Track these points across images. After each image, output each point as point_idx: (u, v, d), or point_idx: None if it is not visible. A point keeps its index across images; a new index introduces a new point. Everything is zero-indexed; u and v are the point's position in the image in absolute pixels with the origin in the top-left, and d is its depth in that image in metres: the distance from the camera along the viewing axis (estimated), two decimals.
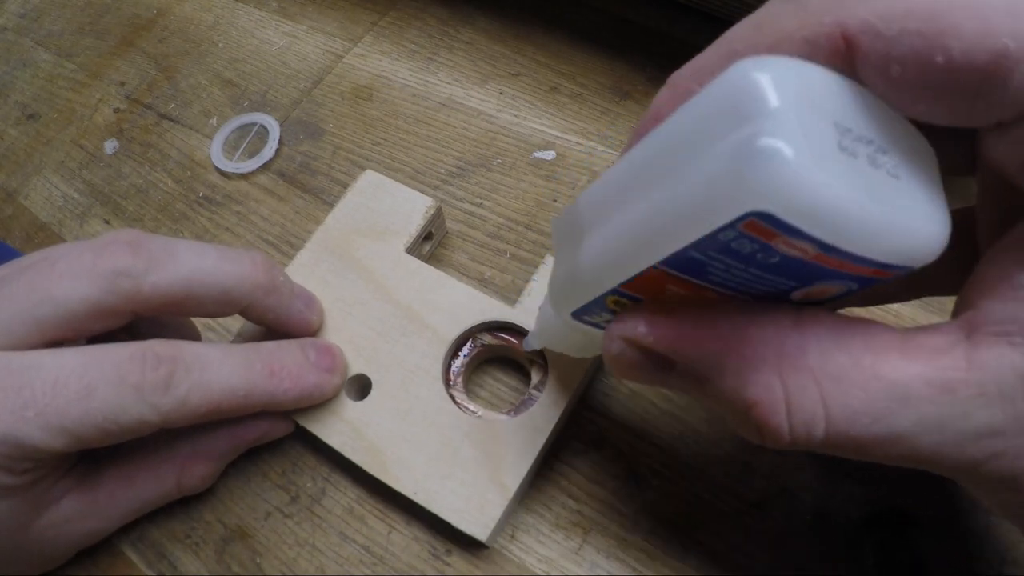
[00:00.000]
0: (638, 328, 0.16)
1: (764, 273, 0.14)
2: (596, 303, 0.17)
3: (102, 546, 0.26)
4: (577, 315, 0.18)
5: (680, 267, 0.14)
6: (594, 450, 0.26)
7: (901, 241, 0.12)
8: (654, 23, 0.37)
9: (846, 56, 0.13)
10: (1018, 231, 0.14)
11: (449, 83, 0.37)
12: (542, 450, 0.25)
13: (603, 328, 0.18)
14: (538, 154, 0.34)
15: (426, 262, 0.29)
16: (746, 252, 0.13)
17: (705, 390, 0.16)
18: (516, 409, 0.26)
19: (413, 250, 0.29)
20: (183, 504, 0.27)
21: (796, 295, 0.15)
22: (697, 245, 0.13)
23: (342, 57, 0.39)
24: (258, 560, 0.26)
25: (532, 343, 0.24)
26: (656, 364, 0.16)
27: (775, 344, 0.14)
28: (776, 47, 0.14)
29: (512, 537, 0.25)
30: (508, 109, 0.36)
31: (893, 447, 0.14)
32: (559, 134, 0.35)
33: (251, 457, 0.27)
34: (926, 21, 0.12)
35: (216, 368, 0.22)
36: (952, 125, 0.14)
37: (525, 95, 0.36)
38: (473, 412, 0.26)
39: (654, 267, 0.14)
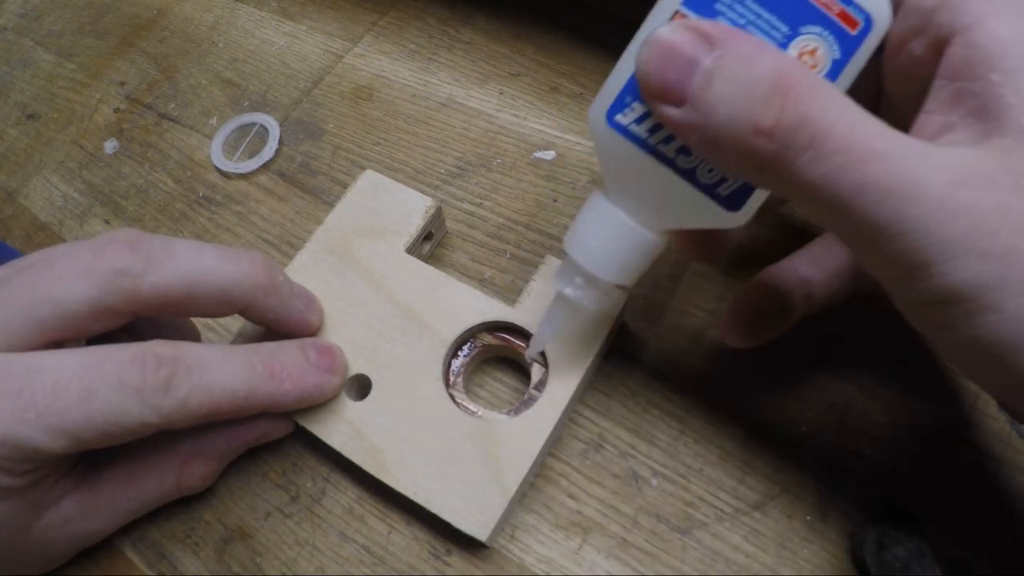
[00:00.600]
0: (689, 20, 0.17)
1: (761, 9, 0.17)
2: (631, 85, 0.19)
3: (102, 546, 0.26)
4: (612, 115, 0.19)
5: (695, 6, 0.18)
6: (594, 450, 0.26)
7: None
8: None
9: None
10: (938, 94, 0.17)
11: (449, 83, 0.37)
12: (542, 450, 0.25)
13: (637, 140, 0.19)
14: (538, 154, 0.34)
15: (426, 262, 0.29)
16: None
17: (724, 76, 0.16)
18: (516, 409, 0.26)
19: (413, 250, 0.29)
20: (183, 504, 0.27)
21: (798, 47, 0.17)
22: None
23: (342, 57, 0.39)
24: (258, 560, 0.26)
25: (542, 338, 0.24)
26: (697, 47, 0.16)
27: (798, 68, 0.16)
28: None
29: (512, 537, 0.25)
30: (508, 109, 0.36)
31: (883, 165, 0.15)
32: (559, 134, 0.35)
33: (251, 457, 0.27)
34: None
35: (217, 370, 0.22)
36: None
37: (525, 95, 0.36)
38: (473, 412, 0.26)
39: (676, 10, 0.18)
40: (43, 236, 0.36)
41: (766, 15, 0.17)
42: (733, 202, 0.19)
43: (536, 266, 0.29)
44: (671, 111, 0.17)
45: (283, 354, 0.24)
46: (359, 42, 0.40)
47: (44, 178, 0.38)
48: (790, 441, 0.26)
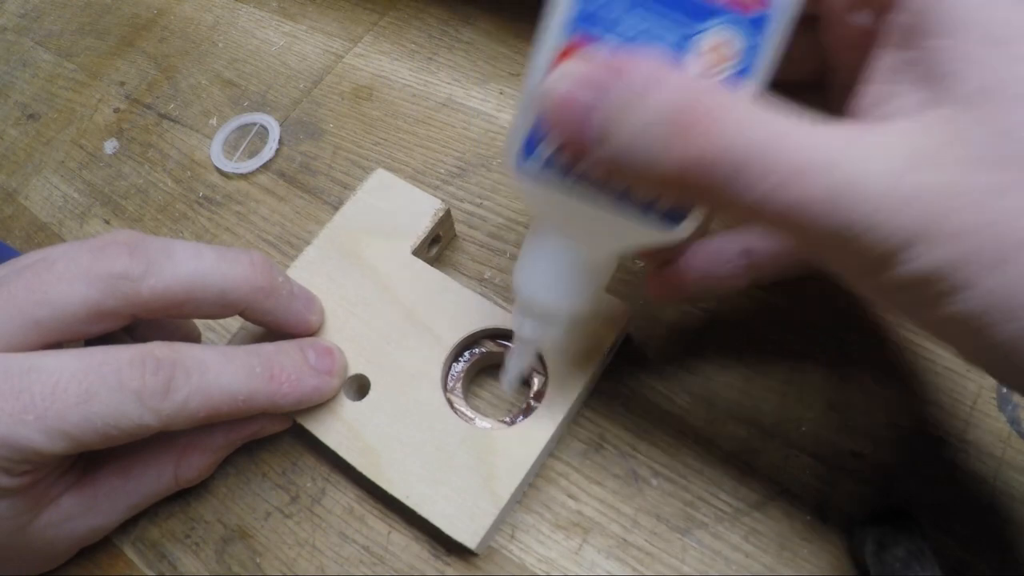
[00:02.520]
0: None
1: (654, 13, 0.16)
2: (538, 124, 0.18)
3: (102, 546, 0.26)
4: (527, 154, 0.18)
5: (584, 23, 0.17)
6: (594, 450, 0.26)
7: None
8: None
9: None
10: (882, 62, 0.17)
11: (449, 83, 0.37)
12: (536, 462, 0.25)
13: (558, 174, 0.18)
14: None
15: (431, 265, 0.29)
16: None
17: (633, 110, 0.15)
18: (514, 418, 0.26)
19: (420, 252, 0.29)
20: (183, 504, 0.27)
21: (702, 46, 0.16)
22: None
23: (342, 57, 0.39)
24: (258, 560, 0.26)
25: (512, 381, 0.24)
26: (601, 81, 0.16)
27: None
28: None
29: (512, 537, 0.25)
30: (508, 109, 0.36)
31: (811, 180, 0.15)
32: None
33: (251, 457, 0.27)
34: None
35: (216, 373, 0.22)
36: None
37: None
38: (470, 419, 0.26)
39: (572, 34, 0.17)
40: (43, 236, 0.36)
41: (660, 19, 0.16)
42: (673, 217, 0.18)
43: None
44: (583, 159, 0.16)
45: (283, 356, 0.24)
46: (359, 42, 0.40)
47: (44, 178, 0.38)
48: (790, 441, 0.26)
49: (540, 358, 0.26)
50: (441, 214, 0.29)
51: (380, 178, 0.30)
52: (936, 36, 0.16)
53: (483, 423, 0.25)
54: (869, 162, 0.14)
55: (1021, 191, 0.14)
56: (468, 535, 0.23)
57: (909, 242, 0.14)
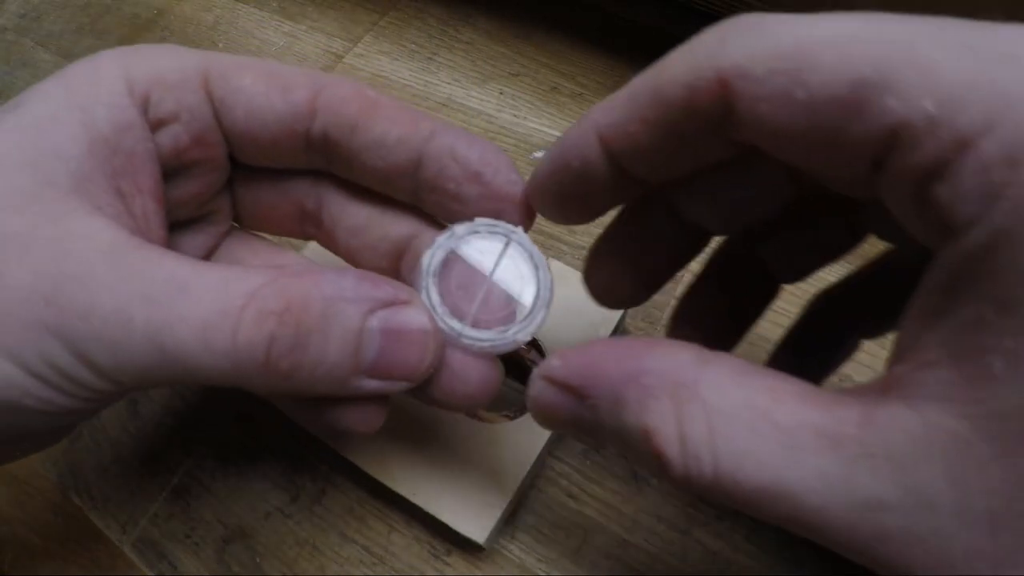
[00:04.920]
0: (552, 363, 0.16)
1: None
2: None
3: (102, 546, 0.26)
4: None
5: None
6: (594, 450, 0.26)
7: None
8: (654, 23, 0.37)
9: (724, 99, 0.13)
10: (921, 291, 0.13)
11: (449, 83, 0.37)
12: (541, 454, 0.25)
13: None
14: (538, 154, 0.34)
15: None
16: None
17: (611, 425, 0.15)
18: (516, 412, 0.26)
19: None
20: (183, 504, 0.27)
21: None
22: None
23: (342, 57, 0.39)
24: (258, 560, 0.26)
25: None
26: (570, 402, 0.16)
27: (673, 375, 0.14)
28: (660, 90, 0.15)
29: (512, 537, 0.25)
30: (508, 109, 0.36)
31: (782, 502, 0.13)
32: (559, 134, 0.34)
33: (251, 457, 0.27)
34: (789, 59, 0.13)
35: None
36: (835, 174, 0.14)
37: (525, 95, 0.36)
38: (473, 413, 0.26)
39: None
40: None
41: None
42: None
43: None
44: (574, 412, 0.16)
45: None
46: (359, 42, 0.40)
47: None
48: None
49: (540, 350, 0.26)
50: None
51: None
52: (995, 298, 0.11)
53: (487, 418, 0.25)
54: (850, 482, 0.12)
55: (1020, 562, 0.11)
56: (476, 530, 0.23)
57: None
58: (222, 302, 0.16)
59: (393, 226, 0.21)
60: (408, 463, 0.24)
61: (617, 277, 0.20)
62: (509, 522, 0.25)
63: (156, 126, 0.19)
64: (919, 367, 0.12)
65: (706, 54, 0.14)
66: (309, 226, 0.23)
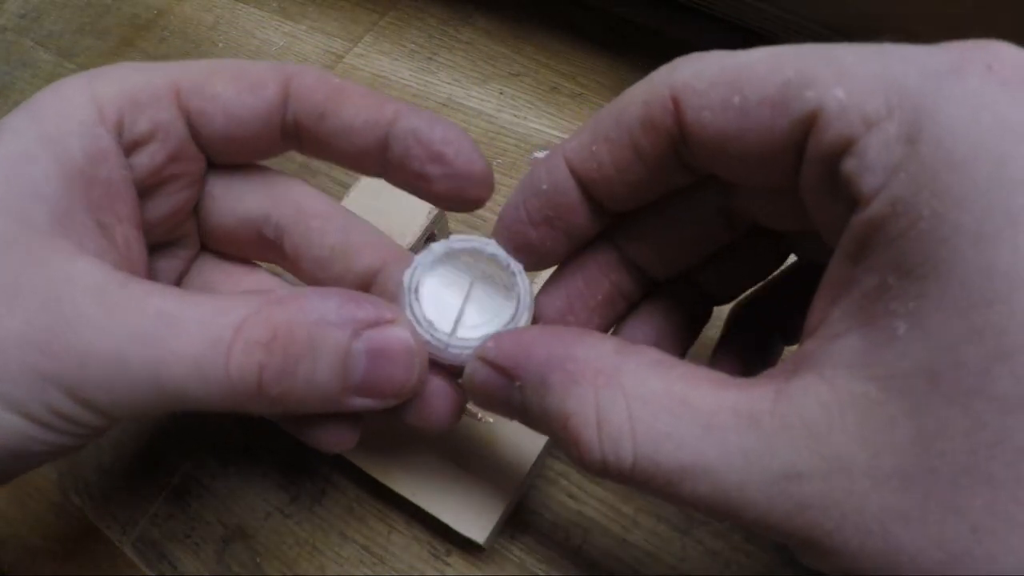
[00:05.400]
0: (488, 344, 0.17)
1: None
2: None
3: (102, 546, 0.26)
4: None
5: None
6: None
7: None
8: (654, 23, 0.37)
9: (675, 113, 0.15)
10: (829, 270, 0.14)
11: (449, 83, 0.37)
12: (541, 454, 0.25)
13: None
14: (538, 154, 0.34)
15: None
16: None
17: (537, 408, 0.16)
18: None
19: (415, 251, 0.29)
20: (183, 504, 0.27)
21: None
22: None
23: (342, 57, 0.39)
24: (258, 560, 0.26)
25: None
26: (502, 382, 0.17)
27: (595, 363, 0.15)
28: (622, 110, 0.16)
29: (512, 537, 0.25)
30: (508, 109, 0.36)
31: (703, 481, 0.13)
32: (559, 134, 0.35)
33: (251, 457, 0.27)
34: (728, 72, 0.15)
35: None
36: (765, 179, 0.15)
37: (525, 95, 0.36)
38: (474, 414, 0.26)
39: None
40: None
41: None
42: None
43: None
44: (504, 393, 0.17)
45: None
46: (359, 42, 0.40)
47: None
48: None
49: None
50: (435, 213, 0.29)
51: (373, 179, 0.30)
52: (902, 266, 0.12)
53: (487, 417, 0.25)
54: (769, 457, 0.13)
55: (934, 517, 0.12)
56: (477, 530, 0.23)
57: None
58: (212, 335, 0.16)
59: (358, 259, 0.21)
60: (408, 463, 0.24)
61: (564, 313, 0.20)
62: (509, 522, 0.25)
63: (131, 148, 0.19)
64: (828, 339, 0.13)
65: (659, 78, 0.16)
66: (273, 254, 0.23)
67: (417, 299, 0.19)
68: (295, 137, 0.21)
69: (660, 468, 0.14)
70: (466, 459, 0.24)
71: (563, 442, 0.16)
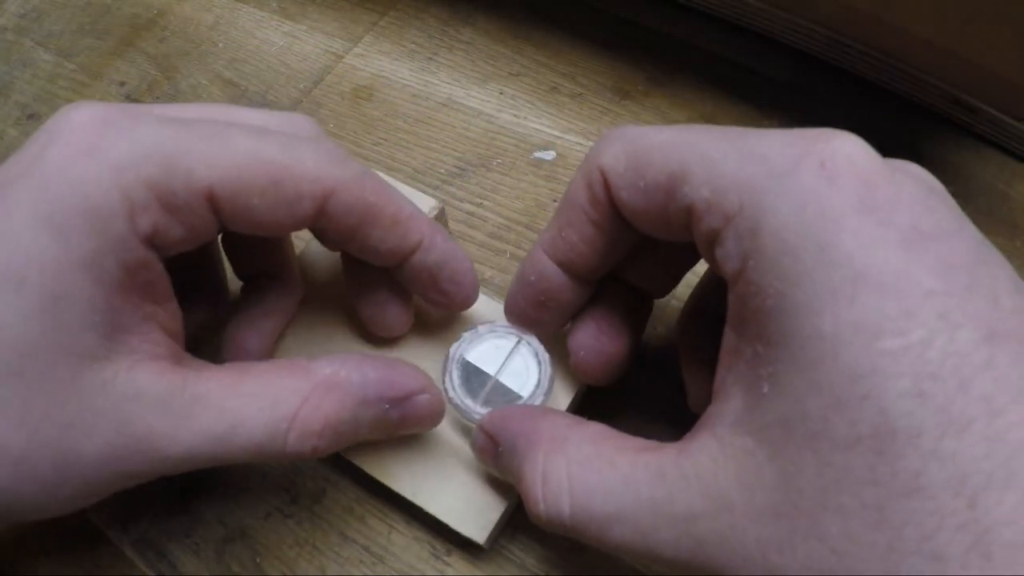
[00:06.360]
0: (484, 419, 0.22)
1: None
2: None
3: (102, 546, 0.26)
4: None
5: None
6: None
7: None
8: (654, 23, 0.37)
9: (607, 188, 0.19)
10: (724, 342, 0.17)
11: (449, 83, 0.37)
12: None
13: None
14: (538, 154, 0.34)
15: None
16: None
17: (510, 468, 0.20)
18: None
19: None
20: (183, 504, 0.27)
21: None
22: None
23: (342, 57, 0.39)
24: (258, 560, 0.26)
25: None
26: (491, 446, 0.21)
27: (549, 434, 0.19)
28: (576, 195, 0.20)
29: (512, 537, 0.25)
30: (508, 109, 0.36)
31: (625, 526, 0.16)
32: (559, 134, 0.35)
33: None
34: (640, 155, 0.18)
35: None
36: (672, 237, 0.18)
37: (525, 95, 0.36)
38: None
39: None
40: None
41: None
42: None
43: None
44: (493, 454, 0.22)
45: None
46: (359, 42, 0.40)
47: None
48: None
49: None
50: (435, 213, 0.29)
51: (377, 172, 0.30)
52: (765, 333, 0.15)
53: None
54: (672, 504, 0.16)
55: (801, 545, 0.14)
56: (477, 530, 0.23)
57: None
58: (271, 429, 0.19)
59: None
60: (408, 463, 0.24)
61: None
62: (509, 522, 0.25)
63: (164, 249, 0.19)
64: (722, 402, 0.16)
65: (592, 159, 0.19)
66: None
67: (457, 367, 0.24)
68: (317, 230, 0.22)
69: (592, 518, 0.17)
70: (466, 459, 0.24)
71: (521, 496, 0.19)
